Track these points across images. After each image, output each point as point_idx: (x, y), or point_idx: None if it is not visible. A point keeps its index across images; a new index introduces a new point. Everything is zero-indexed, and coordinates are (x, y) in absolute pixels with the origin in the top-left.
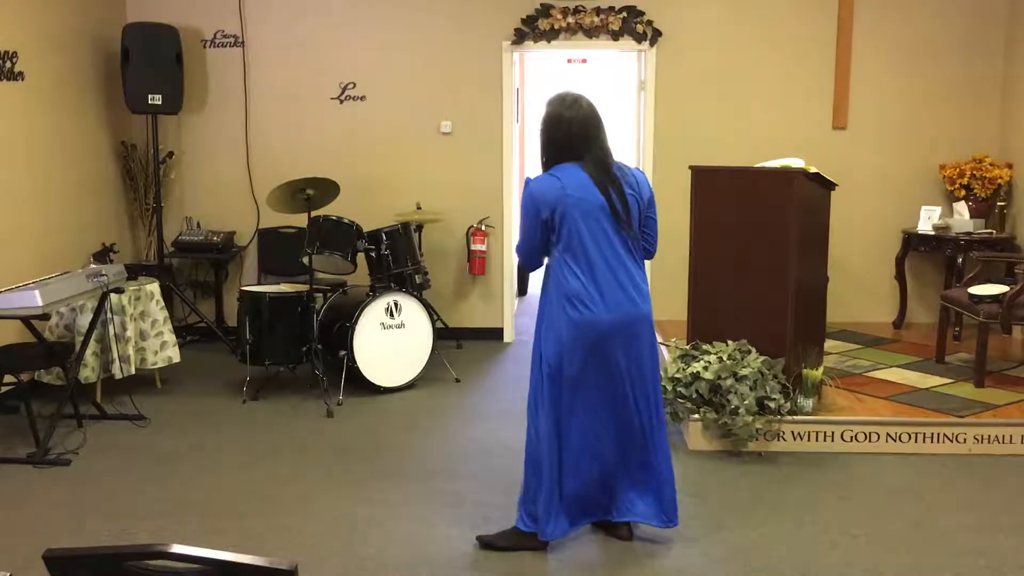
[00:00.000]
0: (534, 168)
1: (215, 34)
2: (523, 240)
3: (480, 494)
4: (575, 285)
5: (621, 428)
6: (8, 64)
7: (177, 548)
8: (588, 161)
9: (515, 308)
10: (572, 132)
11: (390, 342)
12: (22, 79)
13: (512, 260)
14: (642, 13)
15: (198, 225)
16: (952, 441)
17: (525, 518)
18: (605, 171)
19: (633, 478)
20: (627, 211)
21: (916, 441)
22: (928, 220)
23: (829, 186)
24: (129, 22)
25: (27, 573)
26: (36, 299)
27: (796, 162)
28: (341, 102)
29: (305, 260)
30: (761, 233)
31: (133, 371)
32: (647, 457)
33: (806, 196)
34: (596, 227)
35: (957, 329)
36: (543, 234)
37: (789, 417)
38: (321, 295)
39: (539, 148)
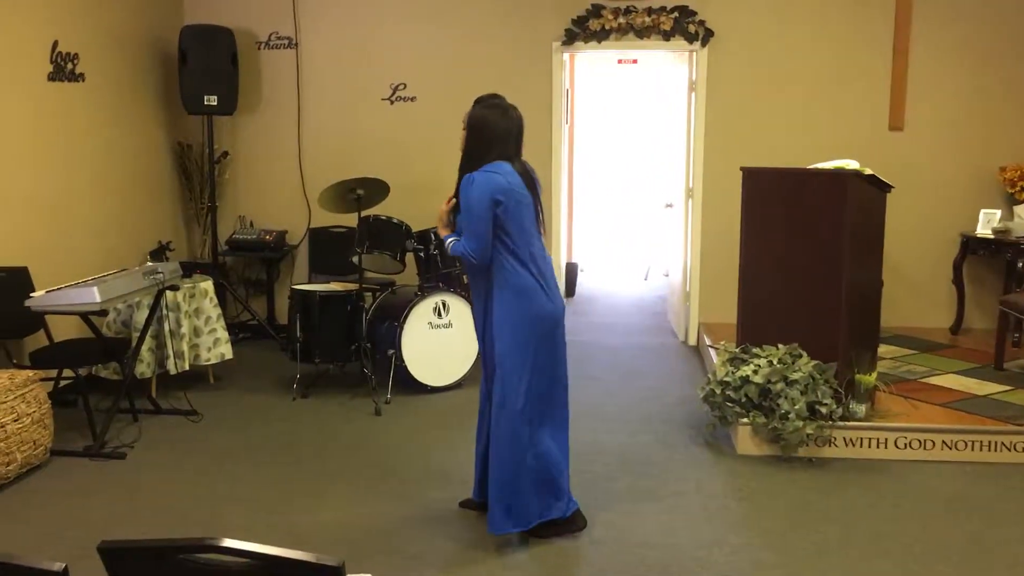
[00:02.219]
0: (583, 169)
1: (269, 36)
2: (477, 236)
3: None
4: (526, 279)
5: (558, 415)
6: (69, 66)
7: (227, 542)
8: (515, 161)
9: None
10: (511, 131)
11: (438, 341)
12: (83, 80)
13: (560, 261)
14: (694, 13)
15: (251, 224)
16: (1010, 450)
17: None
18: (527, 171)
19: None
20: (542, 209)
21: (973, 449)
22: (987, 223)
23: (884, 188)
24: (186, 24)
25: (82, 564)
26: (94, 295)
27: (851, 164)
28: (392, 103)
29: (355, 259)
30: (814, 235)
31: (187, 367)
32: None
33: (860, 198)
34: (531, 223)
35: (1016, 335)
36: (492, 227)
37: (841, 423)
38: (370, 294)
39: (471, 143)
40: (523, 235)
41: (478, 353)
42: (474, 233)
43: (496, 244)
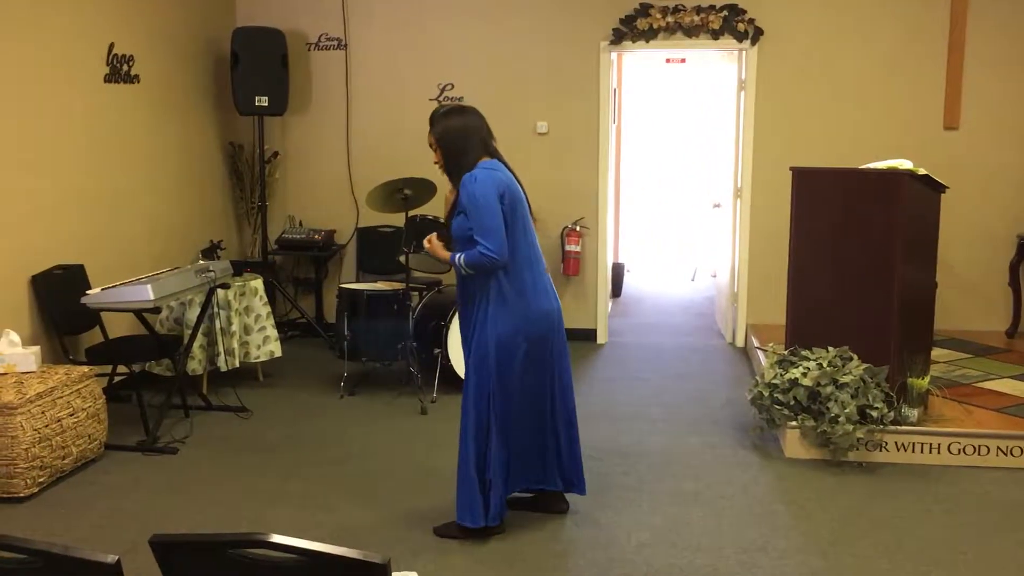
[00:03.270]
0: (630, 169)
1: (319, 37)
2: (492, 232)
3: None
4: (523, 277)
5: (543, 410)
6: (125, 67)
7: (276, 538)
8: (499, 158)
9: (608, 309)
10: (479, 127)
11: None
12: (138, 81)
13: (607, 261)
14: (743, 11)
15: (300, 224)
16: None
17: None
18: (511, 169)
19: (549, 452)
20: (531, 207)
21: None
22: None
23: (939, 188)
24: (238, 26)
25: (134, 557)
26: (148, 293)
27: (904, 163)
28: (439, 103)
29: (402, 259)
30: (865, 236)
31: (237, 364)
32: (556, 430)
33: (913, 198)
34: (526, 220)
35: None
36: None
37: (892, 427)
38: (417, 293)
39: (451, 152)
40: (523, 233)
41: None
42: (488, 229)
43: None
